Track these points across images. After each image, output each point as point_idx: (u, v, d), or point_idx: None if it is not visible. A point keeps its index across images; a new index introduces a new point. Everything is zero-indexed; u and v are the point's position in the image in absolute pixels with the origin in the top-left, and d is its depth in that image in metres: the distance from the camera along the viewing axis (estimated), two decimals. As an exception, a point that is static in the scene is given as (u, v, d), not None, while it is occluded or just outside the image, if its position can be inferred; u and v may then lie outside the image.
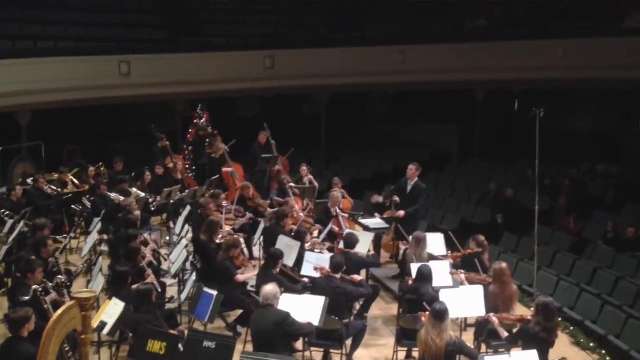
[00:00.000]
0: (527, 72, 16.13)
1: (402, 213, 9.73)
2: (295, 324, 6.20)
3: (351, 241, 8.23)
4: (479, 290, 6.98)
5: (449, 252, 8.60)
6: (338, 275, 7.22)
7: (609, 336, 8.65)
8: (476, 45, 16.94)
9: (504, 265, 7.20)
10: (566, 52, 15.58)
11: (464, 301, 6.87)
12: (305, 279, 7.69)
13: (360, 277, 7.52)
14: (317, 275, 7.62)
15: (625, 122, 17.63)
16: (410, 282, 7.44)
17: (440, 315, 5.74)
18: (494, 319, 6.47)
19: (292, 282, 7.71)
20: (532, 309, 6.50)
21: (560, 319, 8.79)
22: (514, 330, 6.54)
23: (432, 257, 8.22)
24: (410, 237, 8.51)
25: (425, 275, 7.12)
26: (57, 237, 10.27)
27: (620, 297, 9.74)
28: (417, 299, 7.00)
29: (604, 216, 13.34)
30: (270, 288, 6.25)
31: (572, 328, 8.79)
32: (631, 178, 15.19)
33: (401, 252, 8.90)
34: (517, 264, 10.95)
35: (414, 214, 9.66)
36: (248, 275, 7.94)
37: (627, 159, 16.41)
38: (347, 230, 9.49)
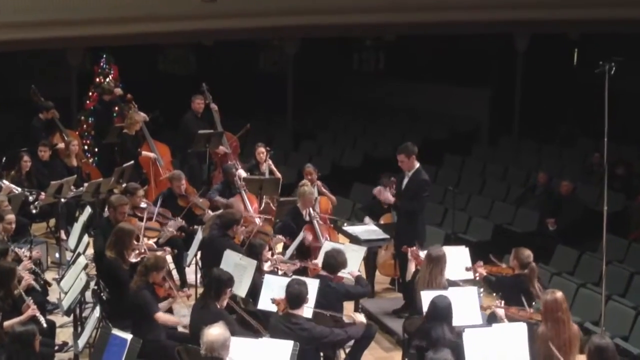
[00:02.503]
0: (589, 8, 16.24)
1: (391, 199, 9.87)
2: None
3: (334, 261, 8.21)
4: (520, 328, 7.03)
5: (480, 262, 8.66)
6: (300, 312, 7.23)
7: None
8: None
9: (558, 295, 7.16)
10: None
11: (499, 345, 6.91)
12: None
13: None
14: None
15: None
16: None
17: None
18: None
19: (243, 324, 7.70)
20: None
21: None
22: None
23: (452, 284, 8.26)
24: (422, 253, 8.56)
25: (440, 312, 7.15)
26: None
27: None
28: (429, 344, 7.03)
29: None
30: (216, 333, 6.18)
31: (656, 385, 8.90)
32: None
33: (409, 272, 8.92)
34: (576, 291, 11.04)
35: (411, 217, 9.73)
36: (173, 320, 7.88)
37: None
38: (326, 243, 9.50)
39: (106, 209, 9.88)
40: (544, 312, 7.18)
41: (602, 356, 6.08)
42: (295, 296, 7.21)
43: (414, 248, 8.83)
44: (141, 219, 10.06)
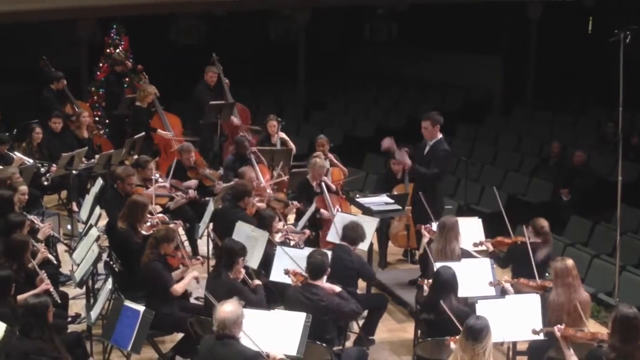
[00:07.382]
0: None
1: (407, 161, 9.79)
2: None
3: (354, 233, 8.20)
4: (534, 300, 7.03)
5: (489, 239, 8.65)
6: (320, 283, 7.23)
7: None
8: None
9: (569, 262, 7.23)
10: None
11: (513, 317, 6.91)
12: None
13: (338, 287, 7.47)
14: (288, 280, 7.63)
15: None
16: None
17: (475, 333, 5.74)
18: (559, 333, 6.53)
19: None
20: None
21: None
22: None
23: (466, 254, 8.26)
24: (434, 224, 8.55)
25: (444, 282, 7.14)
26: None
27: None
28: (437, 316, 7.05)
29: None
30: (228, 310, 6.07)
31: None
32: None
33: (422, 245, 8.91)
34: (590, 262, 11.04)
35: (429, 189, 9.68)
36: (186, 281, 7.89)
37: None
38: (338, 214, 9.50)
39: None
40: (554, 279, 7.23)
41: (627, 325, 6.05)
42: (317, 266, 7.19)
43: (429, 226, 8.81)
44: (153, 190, 10.01)
